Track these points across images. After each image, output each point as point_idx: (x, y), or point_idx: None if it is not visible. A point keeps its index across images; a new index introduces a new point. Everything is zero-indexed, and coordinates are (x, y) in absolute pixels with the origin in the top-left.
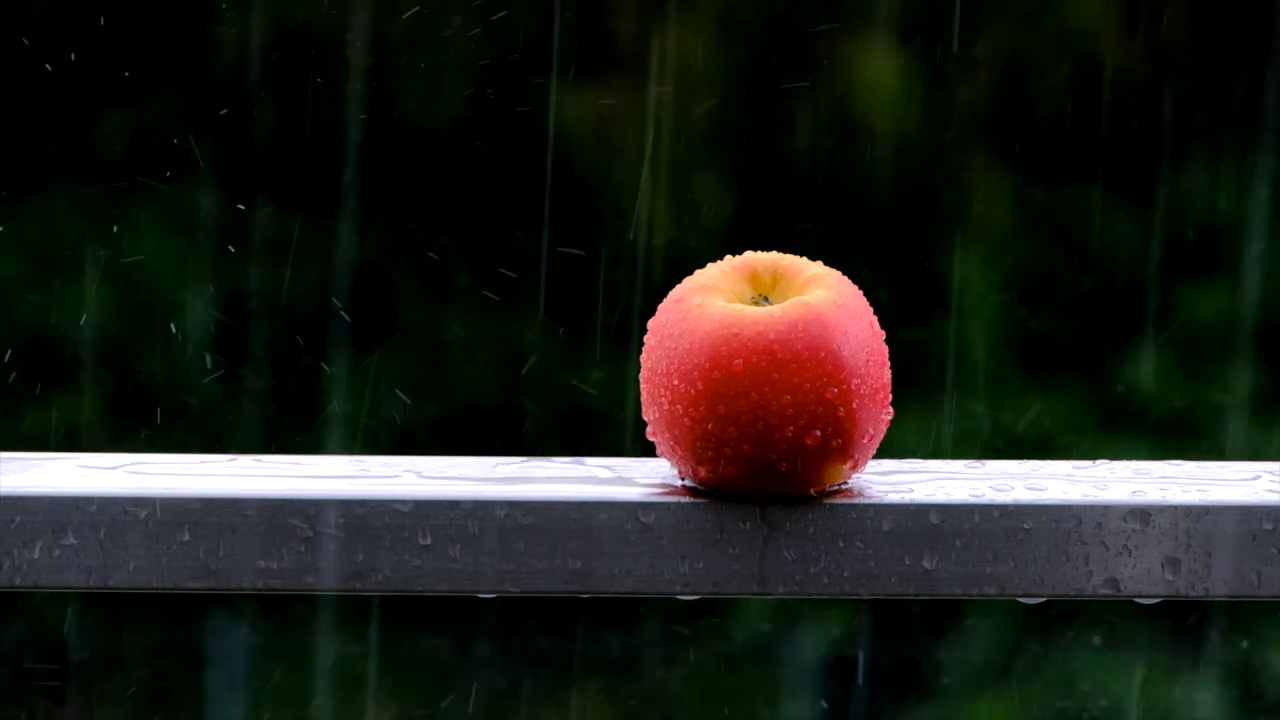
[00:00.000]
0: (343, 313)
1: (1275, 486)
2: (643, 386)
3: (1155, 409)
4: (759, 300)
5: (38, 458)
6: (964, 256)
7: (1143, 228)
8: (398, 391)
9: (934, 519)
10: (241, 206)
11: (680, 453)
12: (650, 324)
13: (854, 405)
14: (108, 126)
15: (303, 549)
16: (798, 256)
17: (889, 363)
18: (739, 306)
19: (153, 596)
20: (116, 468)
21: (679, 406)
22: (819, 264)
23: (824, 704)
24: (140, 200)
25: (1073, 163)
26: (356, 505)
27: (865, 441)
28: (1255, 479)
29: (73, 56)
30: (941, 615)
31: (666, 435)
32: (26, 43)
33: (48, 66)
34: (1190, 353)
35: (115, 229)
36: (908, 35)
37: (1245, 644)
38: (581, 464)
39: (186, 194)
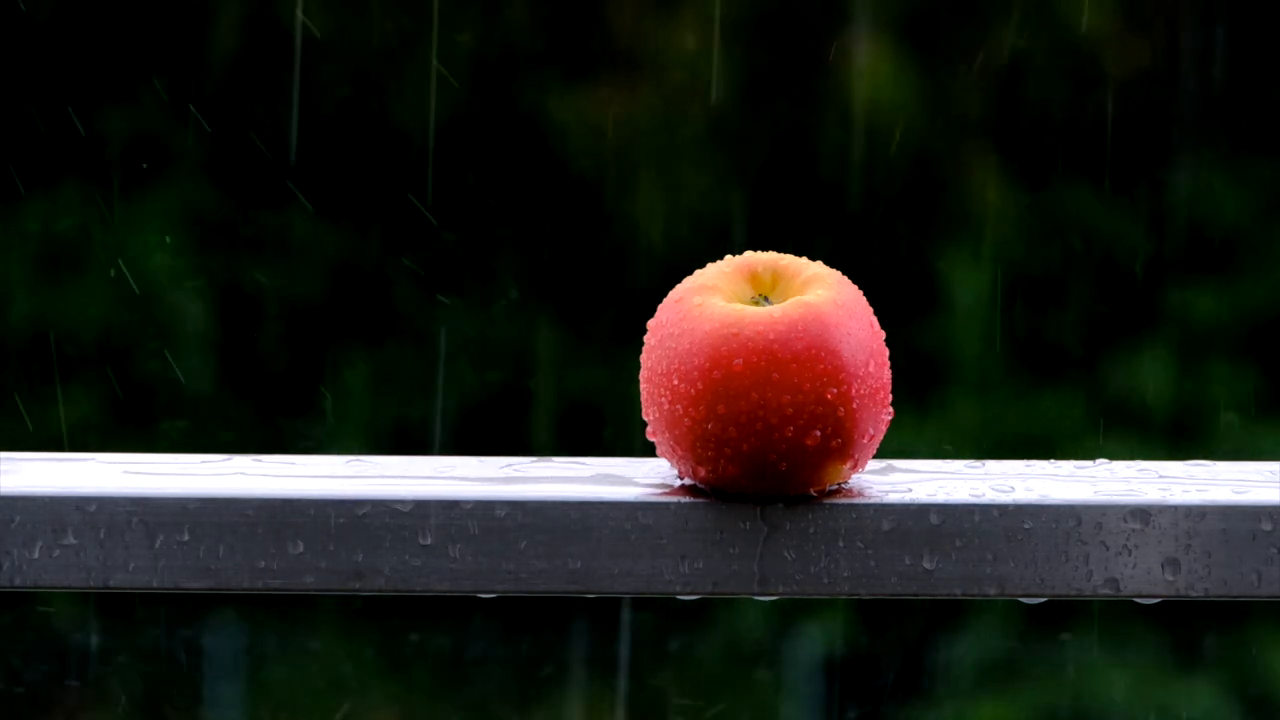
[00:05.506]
0: (343, 312)
1: (1275, 486)
2: (642, 386)
3: (1155, 409)
4: (759, 300)
5: (38, 457)
6: (964, 256)
7: (1142, 227)
8: (398, 391)
9: (934, 519)
10: (241, 205)
11: (680, 453)
12: (650, 324)
13: (854, 405)
14: (107, 124)
15: (303, 549)
16: (797, 256)
17: (889, 363)
18: (739, 306)
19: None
20: (116, 467)
21: (679, 406)
22: (819, 264)
23: (824, 704)
24: (140, 199)
25: (1072, 162)
26: (356, 505)
27: (865, 441)
28: (1256, 479)
29: (72, 54)
30: (941, 615)
31: (666, 435)
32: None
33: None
34: (1190, 353)
35: (115, 227)
36: (908, 35)
37: (1245, 644)
38: (581, 464)
39: (186, 192)
